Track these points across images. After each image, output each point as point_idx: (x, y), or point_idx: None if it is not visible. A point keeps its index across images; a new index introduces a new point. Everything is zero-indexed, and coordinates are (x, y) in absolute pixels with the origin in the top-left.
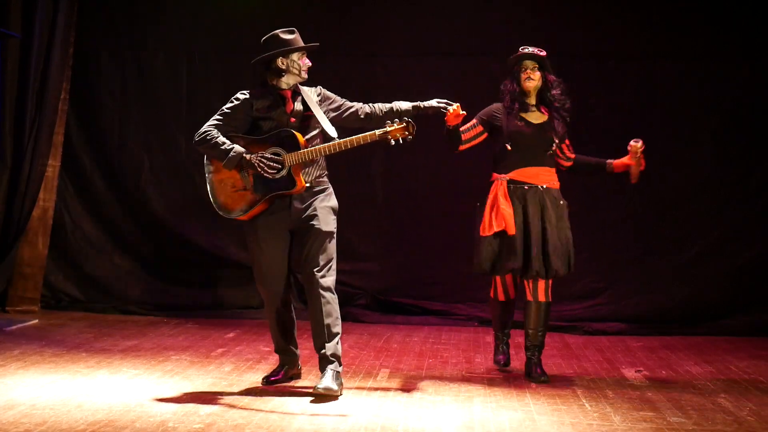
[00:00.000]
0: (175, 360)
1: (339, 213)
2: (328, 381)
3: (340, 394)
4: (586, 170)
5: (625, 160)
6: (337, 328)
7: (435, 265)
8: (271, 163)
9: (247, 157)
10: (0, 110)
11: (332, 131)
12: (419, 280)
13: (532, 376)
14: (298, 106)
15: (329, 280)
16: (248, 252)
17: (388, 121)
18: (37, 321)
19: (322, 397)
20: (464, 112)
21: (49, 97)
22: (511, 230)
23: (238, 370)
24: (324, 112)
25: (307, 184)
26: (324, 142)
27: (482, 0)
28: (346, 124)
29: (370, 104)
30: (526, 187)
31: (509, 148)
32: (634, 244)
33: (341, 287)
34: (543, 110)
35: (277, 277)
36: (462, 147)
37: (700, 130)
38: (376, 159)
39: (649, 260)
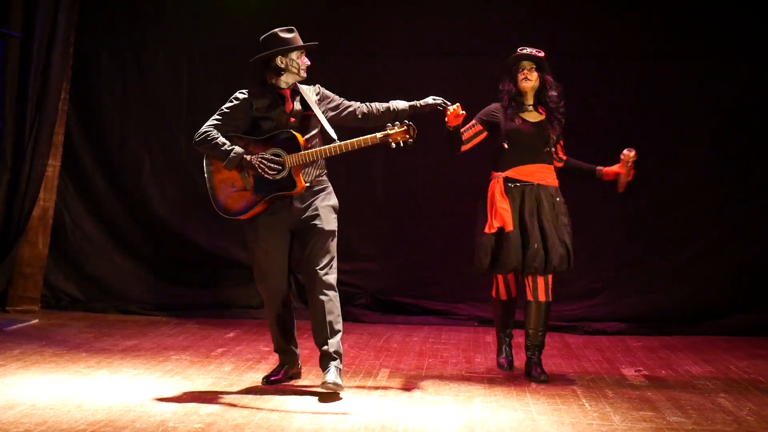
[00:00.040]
0: (175, 360)
1: (339, 213)
2: (334, 376)
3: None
4: (575, 174)
5: (615, 168)
6: (339, 326)
7: (435, 265)
8: (272, 165)
9: (248, 158)
10: (0, 110)
11: (333, 133)
12: (419, 280)
13: (532, 376)
14: (298, 105)
15: (331, 278)
16: (248, 251)
17: (389, 124)
18: (37, 321)
19: (329, 392)
20: (464, 112)
21: (49, 96)
22: (509, 227)
23: (238, 369)
24: (323, 112)
25: (307, 184)
26: (323, 141)
27: (482, 0)
28: (344, 123)
29: (368, 103)
30: (521, 185)
31: (506, 146)
32: (634, 244)
33: (341, 287)
34: (540, 110)
35: (277, 277)
36: (463, 148)
37: (700, 130)
38: (376, 159)
39: (648, 260)
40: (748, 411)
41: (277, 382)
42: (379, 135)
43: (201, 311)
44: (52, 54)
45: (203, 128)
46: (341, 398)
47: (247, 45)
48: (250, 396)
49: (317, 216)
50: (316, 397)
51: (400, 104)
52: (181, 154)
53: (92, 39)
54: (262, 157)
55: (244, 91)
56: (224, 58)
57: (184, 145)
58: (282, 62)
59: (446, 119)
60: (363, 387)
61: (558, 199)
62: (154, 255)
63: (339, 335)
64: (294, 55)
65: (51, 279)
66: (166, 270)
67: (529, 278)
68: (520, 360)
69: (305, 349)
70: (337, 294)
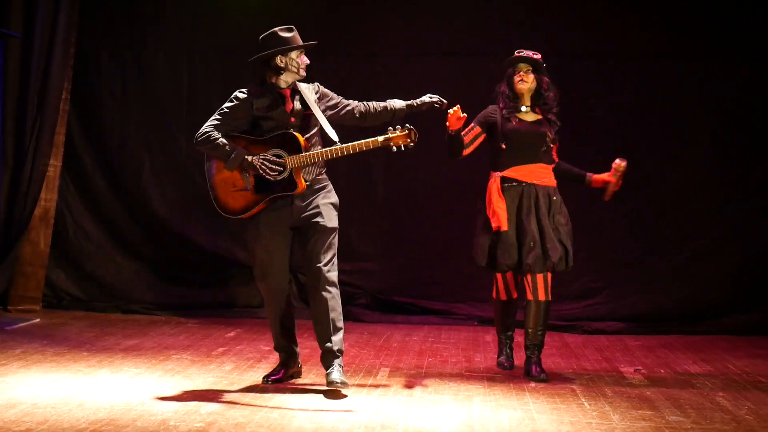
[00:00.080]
0: (176, 359)
1: (339, 212)
2: (340, 374)
3: None
4: (565, 177)
5: (605, 176)
6: (341, 323)
7: (435, 265)
8: (273, 166)
9: (249, 158)
10: (1, 110)
11: (334, 135)
12: (419, 279)
13: (532, 375)
14: (298, 105)
15: (334, 275)
16: (249, 250)
17: (390, 128)
18: (38, 320)
19: (335, 390)
20: (465, 114)
21: (50, 97)
22: (504, 226)
23: (239, 369)
24: (322, 111)
25: (308, 183)
26: (322, 140)
27: (482, 0)
28: (342, 121)
29: (365, 102)
30: (518, 184)
31: (504, 146)
32: (634, 243)
33: (341, 287)
34: (537, 111)
35: (277, 275)
36: (465, 152)
37: (699, 130)
38: (376, 159)
39: (648, 260)
40: (747, 410)
41: (278, 381)
42: (380, 139)
43: (202, 311)
44: (52, 54)
45: (204, 128)
46: (346, 396)
47: (247, 45)
48: (250, 395)
49: (319, 213)
50: (317, 396)
51: (398, 103)
52: (181, 154)
53: (92, 39)
54: (263, 158)
55: (244, 90)
56: (224, 58)
57: (184, 145)
58: (282, 61)
59: (447, 123)
60: (363, 386)
61: (555, 198)
62: (155, 254)
63: (341, 332)
64: (294, 54)
65: (52, 278)
66: (167, 269)
67: (529, 277)
68: (519, 359)
69: (305, 348)
70: (339, 291)
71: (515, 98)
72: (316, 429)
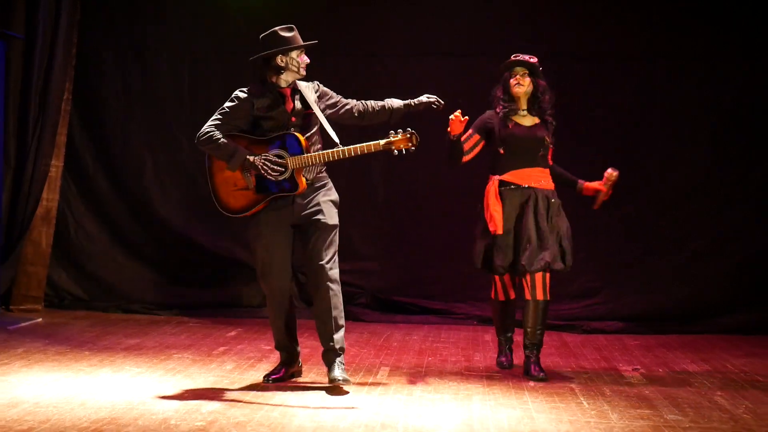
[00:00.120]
0: (178, 358)
1: (339, 212)
2: (341, 372)
3: None
4: (557, 181)
5: (596, 185)
6: (343, 321)
7: (435, 265)
8: (275, 166)
9: (251, 158)
10: (3, 111)
11: (334, 135)
12: (419, 279)
13: (531, 375)
14: (298, 104)
15: (335, 272)
16: (250, 249)
17: (392, 132)
18: (40, 319)
19: (337, 387)
20: (467, 117)
21: (52, 97)
22: (499, 230)
23: (240, 368)
24: (322, 109)
25: (308, 182)
26: (322, 139)
27: (482, 0)
28: (341, 120)
29: (364, 101)
30: (516, 187)
31: (502, 152)
32: (634, 243)
33: (341, 286)
34: (534, 114)
35: (278, 273)
36: (464, 159)
37: (699, 130)
38: (376, 161)
39: (648, 260)
40: (745, 409)
41: (279, 381)
42: (382, 142)
43: (203, 310)
44: (54, 55)
45: (205, 128)
46: (347, 392)
47: (247, 45)
48: (251, 394)
49: (320, 211)
50: (318, 395)
51: (395, 102)
52: (183, 154)
53: (94, 39)
54: (265, 159)
55: (244, 89)
56: (225, 58)
57: (185, 145)
58: (282, 61)
59: (449, 129)
60: (363, 385)
61: (554, 200)
62: (156, 254)
63: (342, 330)
64: (294, 53)
65: (54, 278)
66: (168, 269)
67: (527, 277)
68: (518, 358)
69: (306, 347)
70: (340, 288)
71: (511, 102)
72: (316, 428)
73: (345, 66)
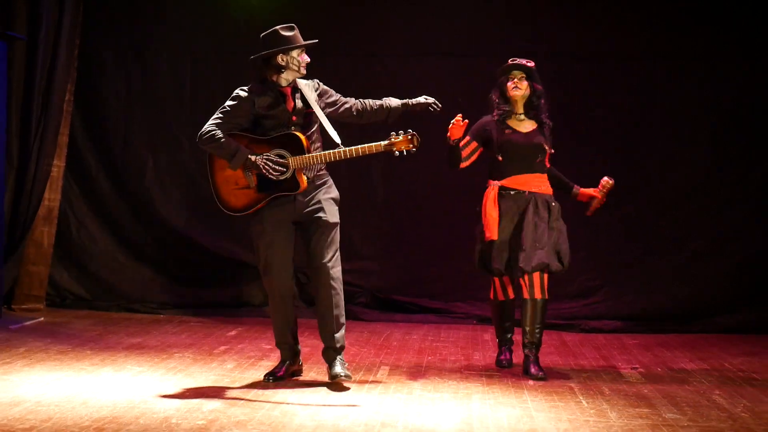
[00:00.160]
0: (179, 357)
1: (339, 212)
2: (342, 368)
3: None
4: (553, 184)
5: (591, 191)
6: (344, 319)
7: (434, 264)
8: (276, 166)
9: (252, 158)
10: (6, 111)
11: (335, 135)
12: (419, 278)
13: (530, 374)
14: (299, 103)
15: (337, 270)
16: (252, 247)
17: (393, 133)
18: (42, 319)
19: (339, 383)
20: (467, 120)
21: (54, 97)
22: (494, 236)
23: (241, 367)
24: (322, 108)
25: (309, 180)
26: (322, 137)
27: (482, 0)
28: (340, 118)
29: (362, 100)
30: (516, 193)
31: (500, 159)
32: (634, 243)
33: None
34: (531, 118)
35: (279, 270)
36: (462, 165)
37: (699, 130)
38: (376, 161)
39: (648, 260)
40: (743, 407)
41: (279, 380)
42: (383, 143)
43: (204, 309)
44: (57, 55)
45: (206, 127)
46: (349, 388)
47: (247, 45)
48: (252, 393)
49: (321, 209)
50: (318, 394)
51: (393, 102)
52: (184, 153)
53: (95, 40)
54: (266, 158)
55: (245, 88)
56: (225, 58)
57: (187, 144)
58: (283, 60)
59: (449, 134)
60: (363, 383)
61: (554, 204)
62: (158, 254)
63: (343, 328)
64: (295, 53)
65: (56, 277)
66: (170, 269)
67: (525, 277)
68: (518, 357)
69: (306, 346)
70: (342, 286)
71: (509, 105)
72: (316, 427)
73: (345, 66)
